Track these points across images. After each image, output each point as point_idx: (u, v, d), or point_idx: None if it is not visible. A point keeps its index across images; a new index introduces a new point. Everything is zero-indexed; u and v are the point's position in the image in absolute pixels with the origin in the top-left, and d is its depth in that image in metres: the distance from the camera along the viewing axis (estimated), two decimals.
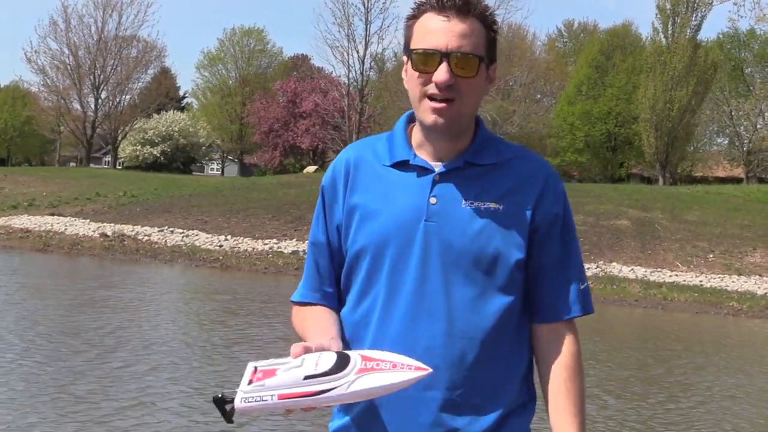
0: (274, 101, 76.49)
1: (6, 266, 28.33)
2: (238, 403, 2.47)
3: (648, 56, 67.50)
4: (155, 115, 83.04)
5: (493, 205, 2.67)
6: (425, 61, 2.63)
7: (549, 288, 2.74)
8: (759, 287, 33.12)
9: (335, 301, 2.87)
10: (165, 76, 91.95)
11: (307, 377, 2.43)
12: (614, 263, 35.74)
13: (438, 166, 2.72)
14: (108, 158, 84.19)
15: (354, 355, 2.47)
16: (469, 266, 2.64)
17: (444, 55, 2.60)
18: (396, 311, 2.63)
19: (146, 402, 11.15)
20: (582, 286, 2.77)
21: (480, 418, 2.67)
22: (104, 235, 38.41)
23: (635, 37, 79.55)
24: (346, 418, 2.76)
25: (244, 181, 58.83)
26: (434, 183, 2.70)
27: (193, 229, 39.94)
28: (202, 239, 38.31)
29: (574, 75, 79.09)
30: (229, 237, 38.69)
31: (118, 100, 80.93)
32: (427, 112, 2.65)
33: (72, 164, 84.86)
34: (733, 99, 72.44)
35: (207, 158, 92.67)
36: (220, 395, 2.50)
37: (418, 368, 2.42)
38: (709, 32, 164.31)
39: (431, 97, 2.63)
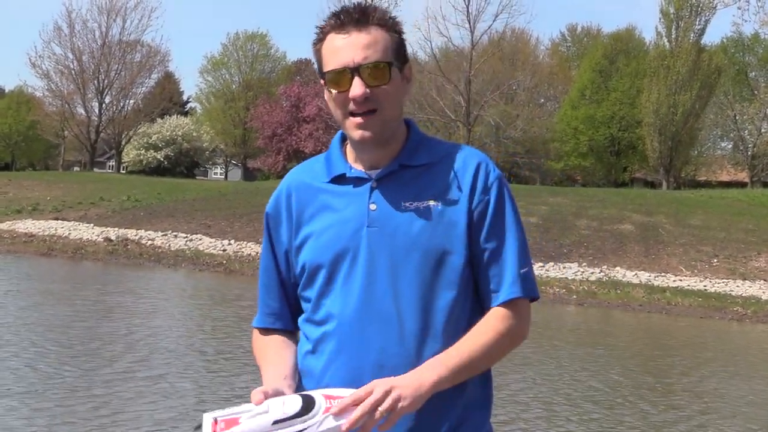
0: (277, 106, 76.43)
1: (18, 270, 28.34)
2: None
3: (651, 60, 67.48)
4: (159, 120, 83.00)
5: (431, 203, 2.71)
6: (338, 80, 2.68)
7: (487, 274, 2.75)
8: (764, 292, 33.07)
9: (290, 320, 2.94)
10: (169, 80, 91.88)
11: (276, 422, 2.44)
12: (618, 268, 35.71)
13: (374, 174, 2.77)
14: (112, 162, 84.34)
15: (317, 395, 2.51)
16: (415, 266, 2.68)
17: (354, 70, 2.65)
18: (349, 318, 2.66)
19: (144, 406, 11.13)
20: (522, 271, 2.76)
21: (442, 415, 2.70)
22: (108, 239, 38.42)
23: (639, 42, 79.55)
24: None
25: (247, 186, 58.85)
26: (372, 190, 2.75)
27: (196, 234, 39.93)
28: (206, 243, 38.32)
29: (577, 79, 79.11)
30: (232, 241, 38.71)
31: (122, 104, 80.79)
32: (352, 129, 2.71)
33: (76, 169, 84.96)
34: (737, 103, 72.33)
35: (210, 163, 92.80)
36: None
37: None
38: (713, 36, 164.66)
39: (353, 114, 2.68)
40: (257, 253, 36.64)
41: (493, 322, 2.72)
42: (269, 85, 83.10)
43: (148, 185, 54.73)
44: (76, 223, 42.35)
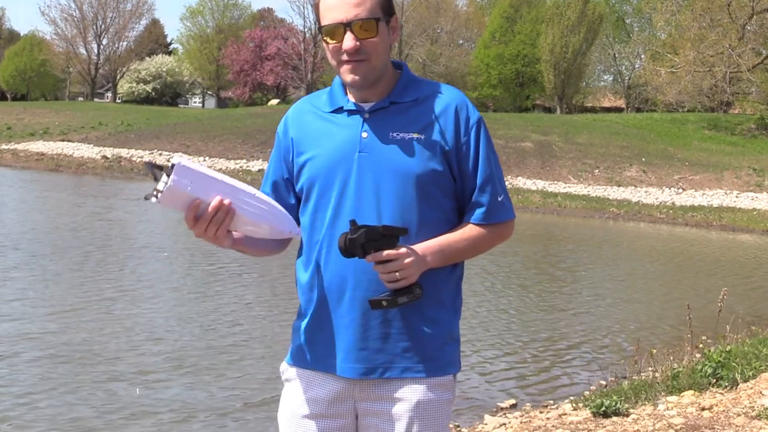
0: (244, 46, 75.66)
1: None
2: (178, 159, 2.42)
3: (548, 9, 67.36)
4: (147, 58, 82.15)
5: (416, 135, 2.62)
6: (332, 34, 2.58)
7: (470, 201, 2.68)
8: (633, 196, 33.54)
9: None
10: (155, 26, 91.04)
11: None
12: (519, 178, 35.93)
13: (367, 107, 2.67)
14: (109, 94, 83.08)
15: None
16: (397, 187, 2.59)
17: (346, 25, 2.55)
18: (340, 230, 2.55)
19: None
20: (500, 198, 2.69)
21: (421, 317, 2.62)
22: (105, 157, 38.00)
23: None
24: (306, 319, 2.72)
25: (219, 113, 58.29)
26: (364, 120, 2.65)
27: (177, 152, 39.49)
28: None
29: (489, 24, 78.62)
30: (207, 158, 38.41)
31: (116, 46, 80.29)
32: (345, 74, 2.62)
33: (80, 99, 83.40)
34: (617, 44, 72.54)
35: (190, 93, 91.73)
36: (151, 161, 2.42)
37: (290, 231, 2.58)
38: None
39: (346, 61, 2.59)
40: (227, 167, 36.44)
41: (473, 228, 2.68)
42: (237, 29, 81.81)
43: (139, 112, 54.02)
44: (79, 144, 41.83)
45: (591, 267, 17.42)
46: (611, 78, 79.68)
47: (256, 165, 36.75)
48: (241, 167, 36.71)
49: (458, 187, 2.67)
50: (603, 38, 70.68)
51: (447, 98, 2.69)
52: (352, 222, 2.45)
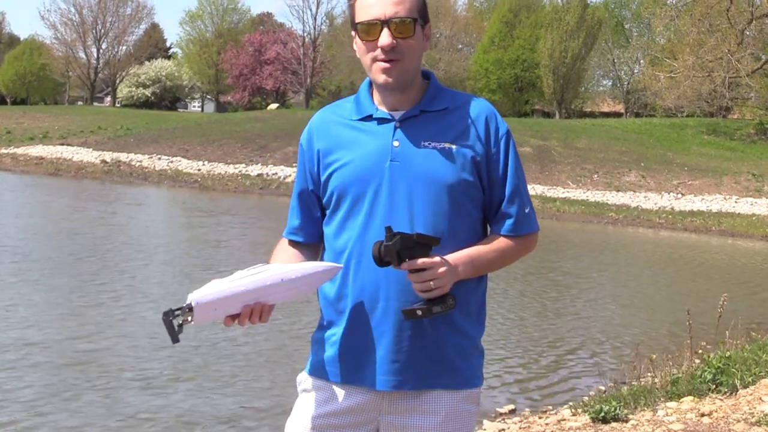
0: (243, 51, 75.70)
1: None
2: (192, 295, 2.37)
3: (547, 14, 67.45)
4: (147, 63, 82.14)
5: (447, 145, 2.60)
6: (369, 30, 2.56)
7: (497, 213, 2.67)
8: (632, 201, 33.53)
9: (311, 235, 2.78)
10: (154, 30, 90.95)
11: (239, 278, 2.42)
12: None
13: (397, 115, 2.64)
14: (108, 98, 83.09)
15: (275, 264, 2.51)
16: (429, 197, 2.56)
17: (384, 23, 2.54)
18: (372, 239, 2.52)
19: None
20: (526, 210, 2.69)
21: (452, 327, 2.61)
22: (104, 161, 37.97)
23: None
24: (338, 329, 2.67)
25: (219, 117, 58.27)
26: (395, 129, 2.62)
27: (177, 156, 39.58)
28: (184, 164, 38.00)
29: (488, 29, 78.66)
30: (206, 162, 38.38)
31: (116, 50, 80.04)
32: (377, 73, 2.59)
33: (79, 103, 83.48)
34: (616, 49, 72.56)
35: (189, 97, 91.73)
36: (168, 309, 2.36)
37: (332, 266, 2.52)
38: None
39: (380, 60, 2.57)
40: (226, 172, 36.42)
41: (501, 240, 2.68)
42: (236, 33, 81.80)
43: (138, 116, 54.04)
44: (79, 148, 41.83)
45: (590, 272, 17.41)
46: (610, 83, 79.74)
47: (255, 169, 36.72)
48: (240, 171, 36.68)
49: (486, 198, 2.66)
50: (602, 43, 70.77)
51: (477, 108, 2.69)
52: (388, 229, 2.43)
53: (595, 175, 37.22)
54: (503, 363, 9.56)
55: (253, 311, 2.46)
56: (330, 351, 2.66)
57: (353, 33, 2.66)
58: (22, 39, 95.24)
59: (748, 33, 45.15)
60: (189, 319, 2.36)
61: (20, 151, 41.49)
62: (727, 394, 6.90)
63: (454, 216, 2.58)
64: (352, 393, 2.61)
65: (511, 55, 72.81)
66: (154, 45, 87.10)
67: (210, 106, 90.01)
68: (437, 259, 2.48)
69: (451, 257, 2.54)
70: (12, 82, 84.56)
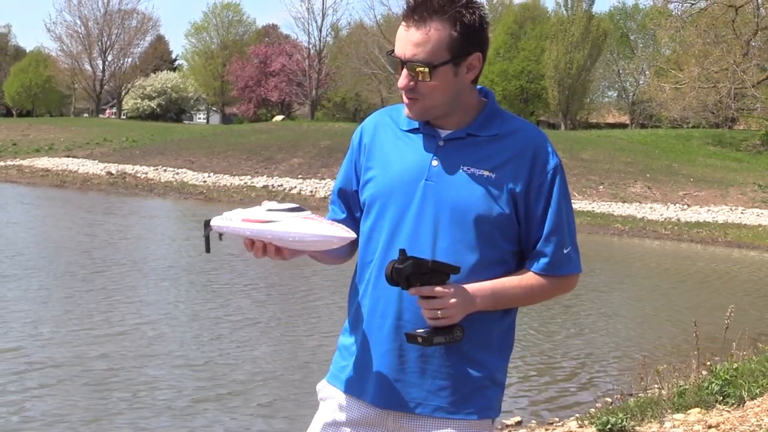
0: (248, 63, 75.86)
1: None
2: (214, 220, 2.52)
3: (552, 25, 67.57)
4: (152, 75, 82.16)
5: (486, 173, 2.49)
6: (395, 65, 2.51)
7: (535, 249, 2.55)
8: (638, 212, 33.49)
9: (354, 231, 2.60)
10: (160, 42, 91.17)
11: (269, 210, 2.43)
12: None
13: (444, 134, 2.55)
14: (114, 110, 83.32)
15: (308, 212, 2.46)
16: (457, 224, 2.48)
17: (403, 63, 2.46)
18: (392, 254, 2.46)
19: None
20: (566, 251, 2.57)
21: (463, 357, 2.53)
22: (109, 173, 38.03)
23: (542, 10, 79.20)
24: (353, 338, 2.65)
25: (224, 128, 58.35)
26: (438, 148, 2.54)
27: (182, 168, 39.61)
28: (190, 176, 38.03)
29: (493, 40, 78.64)
30: (211, 174, 38.42)
31: (121, 62, 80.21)
32: (404, 106, 2.56)
33: (85, 115, 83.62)
34: (621, 60, 72.76)
35: (195, 109, 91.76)
36: (206, 219, 2.54)
37: (347, 232, 2.41)
38: (602, 6, 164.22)
39: (404, 94, 2.52)
40: (231, 183, 36.47)
41: (531, 277, 2.57)
42: (242, 45, 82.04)
43: (143, 128, 54.13)
44: (84, 160, 41.91)
45: (596, 283, 17.36)
46: (615, 94, 79.87)
47: (260, 181, 36.75)
48: (245, 183, 36.72)
49: (522, 233, 2.55)
50: (607, 54, 70.91)
51: (527, 138, 2.57)
52: (402, 252, 2.36)
53: (601, 186, 37.18)
54: (509, 375, 9.51)
55: (267, 248, 2.47)
56: (344, 360, 2.64)
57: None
58: (27, 51, 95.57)
59: (753, 44, 45.15)
60: (219, 237, 2.56)
61: (26, 163, 41.59)
62: (735, 405, 6.87)
63: (481, 246, 2.49)
64: (359, 405, 2.57)
65: (516, 66, 72.89)
66: (159, 57, 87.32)
67: (215, 118, 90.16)
68: (451, 289, 2.40)
69: (471, 287, 2.46)
70: (18, 94, 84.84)
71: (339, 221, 2.63)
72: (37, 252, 16.37)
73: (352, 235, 2.42)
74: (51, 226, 21.34)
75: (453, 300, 2.40)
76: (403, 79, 2.48)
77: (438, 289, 2.39)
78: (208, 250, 2.54)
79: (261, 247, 2.45)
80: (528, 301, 2.61)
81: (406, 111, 2.54)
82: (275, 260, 2.50)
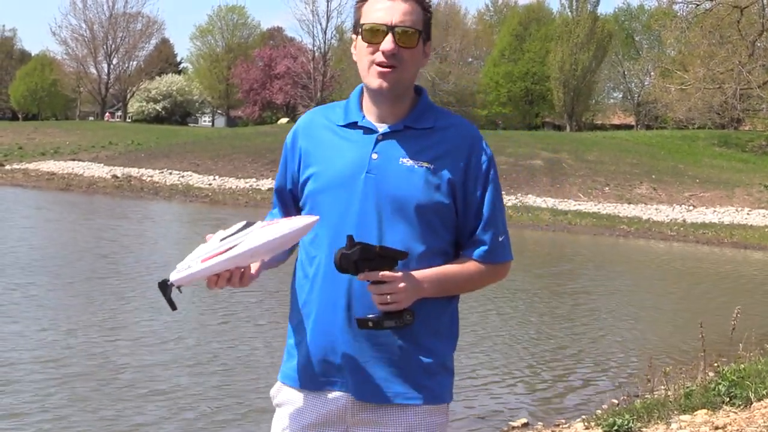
0: (253, 65, 76.01)
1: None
2: (173, 276, 2.46)
3: (557, 27, 67.67)
4: (157, 78, 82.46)
5: (425, 165, 2.59)
6: (374, 33, 2.58)
7: (471, 238, 2.66)
8: (644, 213, 33.48)
9: None
10: (165, 45, 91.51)
11: (222, 239, 2.46)
12: (529, 195, 35.89)
13: (382, 128, 2.64)
14: (119, 113, 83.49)
15: (259, 221, 2.52)
16: (399, 215, 2.56)
17: (390, 28, 2.56)
18: (338, 247, 2.51)
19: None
20: (500, 239, 2.69)
21: (415, 345, 2.60)
22: (115, 176, 38.08)
23: (547, 12, 79.32)
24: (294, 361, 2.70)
25: (229, 131, 58.43)
26: (377, 141, 2.62)
27: (187, 171, 39.67)
28: (195, 179, 38.08)
29: (498, 42, 78.85)
30: (216, 177, 38.47)
31: (126, 65, 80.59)
32: (373, 77, 2.60)
33: (90, 118, 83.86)
34: (626, 61, 72.76)
35: (200, 112, 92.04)
36: (162, 279, 2.48)
37: (309, 217, 2.49)
38: (606, 7, 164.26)
39: (378, 64, 2.58)
40: (237, 186, 36.48)
41: (471, 263, 2.67)
42: (246, 48, 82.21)
43: (148, 131, 54.19)
44: (90, 163, 41.96)
45: (602, 285, 17.35)
46: (621, 95, 79.90)
47: (266, 184, 36.77)
48: (250, 186, 36.74)
49: (460, 222, 2.65)
50: (612, 56, 70.91)
51: (463, 132, 2.69)
52: (349, 237, 2.42)
53: (607, 188, 37.16)
54: (515, 376, 9.52)
55: (232, 275, 2.50)
56: (296, 357, 2.69)
57: (354, 36, 2.68)
58: (33, 55, 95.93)
59: (759, 44, 45.12)
60: (179, 289, 2.48)
61: (32, 166, 41.63)
62: (742, 407, 6.85)
63: (423, 235, 2.57)
64: (318, 402, 2.63)
65: (521, 68, 72.96)
66: (164, 60, 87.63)
67: (220, 121, 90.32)
68: (399, 273, 2.48)
69: (418, 274, 2.54)
70: (23, 97, 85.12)
71: None
72: (56, 255, 16.40)
73: (315, 217, 2.51)
74: (68, 231, 21.37)
75: (402, 284, 2.48)
76: (389, 43, 2.56)
77: (386, 273, 2.46)
78: (174, 308, 2.49)
79: (226, 277, 2.49)
80: (470, 288, 2.71)
81: (377, 82, 2.59)
82: (237, 288, 2.55)
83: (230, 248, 2.43)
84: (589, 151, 42.76)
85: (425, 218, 2.57)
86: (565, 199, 35.55)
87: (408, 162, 2.59)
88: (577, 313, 13.84)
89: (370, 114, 2.67)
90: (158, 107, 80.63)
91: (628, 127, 72.86)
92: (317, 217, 2.50)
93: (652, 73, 66.95)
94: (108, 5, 78.12)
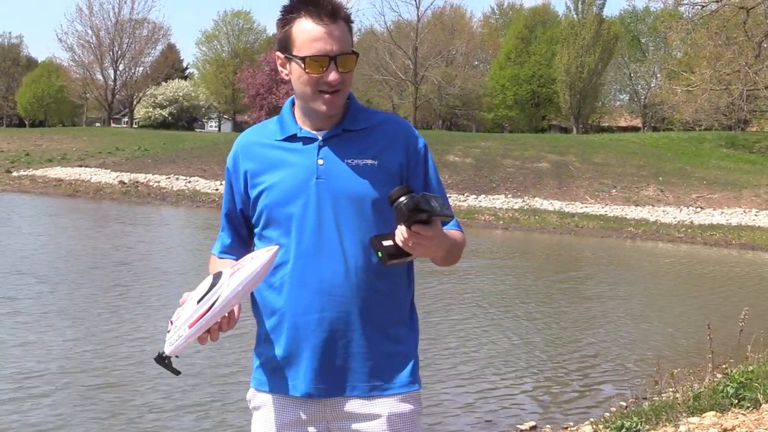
0: (259, 70, 75.88)
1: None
2: (167, 349, 2.57)
3: (563, 29, 67.55)
4: (164, 83, 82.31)
5: (369, 161, 2.72)
6: (318, 65, 2.62)
7: None
8: (651, 215, 33.41)
9: (241, 253, 2.81)
10: (171, 51, 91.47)
11: (198, 300, 2.52)
12: (536, 198, 35.87)
13: (321, 135, 2.74)
14: (126, 119, 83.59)
15: (224, 269, 2.56)
16: (356, 212, 2.68)
17: (332, 58, 2.62)
18: (304, 254, 2.65)
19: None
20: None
21: (383, 335, 2.72)
22: (122, 182, 38.14)
23: (553, 14, 79.25)
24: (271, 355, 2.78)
25: (236, 136, 58.09)
26: (320, 148, 2.72)
27: (194, 176, 39.72)
28: (202, 184, 38.13)
29: (504, 45, 78.82)
30: (223, 182, 38.48)
31: (133, 71, 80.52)
32: (319, 103, 2.67)
33: (97, 124, 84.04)
34: (632, 63, 72.67)
35: (206, 117, 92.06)
36: (158, 354, 2.59)
37: (269, 250, 2.54)
38: (612, 9, 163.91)
39: (323, 91, 2.65)
40: None
41: (458, 236, 2.77)
42: (252, 53, 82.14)
43: (155, 137, 54.23)
44: (97, 169, 42.03)
45: (610, 287, 17.35)
46: (627, 97, 79.80)
47: None
48: None
49: None
50: (618, 58, 70.86)
51: (396, 126, 2.82)
52: (406, 186, 2.42)
53: (614, 190, 37.13)
54: (524, 379, 9.53)
55: (221, 324, 2.57)
56: (270, 363, 2.77)
57: (281, 54, 2.71)
58: (39, 62, 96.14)
59: (765, 45, 45.01)
60: (175, 356, 2.59)
61: (39, 173, 41.72)
62: (750, 408, 6.86)
63: (380, 228, 2.63)
64: (297, 403, 2.72)
65: (527, 70, 72.98)
66: (170, 66, 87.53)
67: (227, 126, 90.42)
68: (440, 227, 2.52)
69: (446, 233, 2.63)
70: (30, 104, 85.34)
71: (227, 247, 2.87)
72: (75, 264, 16.45)
73: (275, 247, 2.56)
74: (83, 238, 21.43)
75: (437, 240, 2.51)
76: (335, 74, 2.63)
77: (436, 227, 2.48)
78: (177, 373, 2.62)
79: (216, 329, 2.57)
80: (456, 256, 2.78)
81: (324, 108, 2.67)
82: (226, 331, 2.62)
83: (212, 305, 2.51)
84: (596, 154, 42.71)
85: (381, 212, 2.67)
86: (572, 202, 35.53)
87: (353, 162, 2.70)
88: (584, 317, 13.84)
89: (305, 125, 2.76)
90: (165, 113, 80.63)
91: (635, 129, 72.75)
92: (277, 247, 2.56)
93: (658, 75, 66.88)
94: (114, 11, 78.25)
